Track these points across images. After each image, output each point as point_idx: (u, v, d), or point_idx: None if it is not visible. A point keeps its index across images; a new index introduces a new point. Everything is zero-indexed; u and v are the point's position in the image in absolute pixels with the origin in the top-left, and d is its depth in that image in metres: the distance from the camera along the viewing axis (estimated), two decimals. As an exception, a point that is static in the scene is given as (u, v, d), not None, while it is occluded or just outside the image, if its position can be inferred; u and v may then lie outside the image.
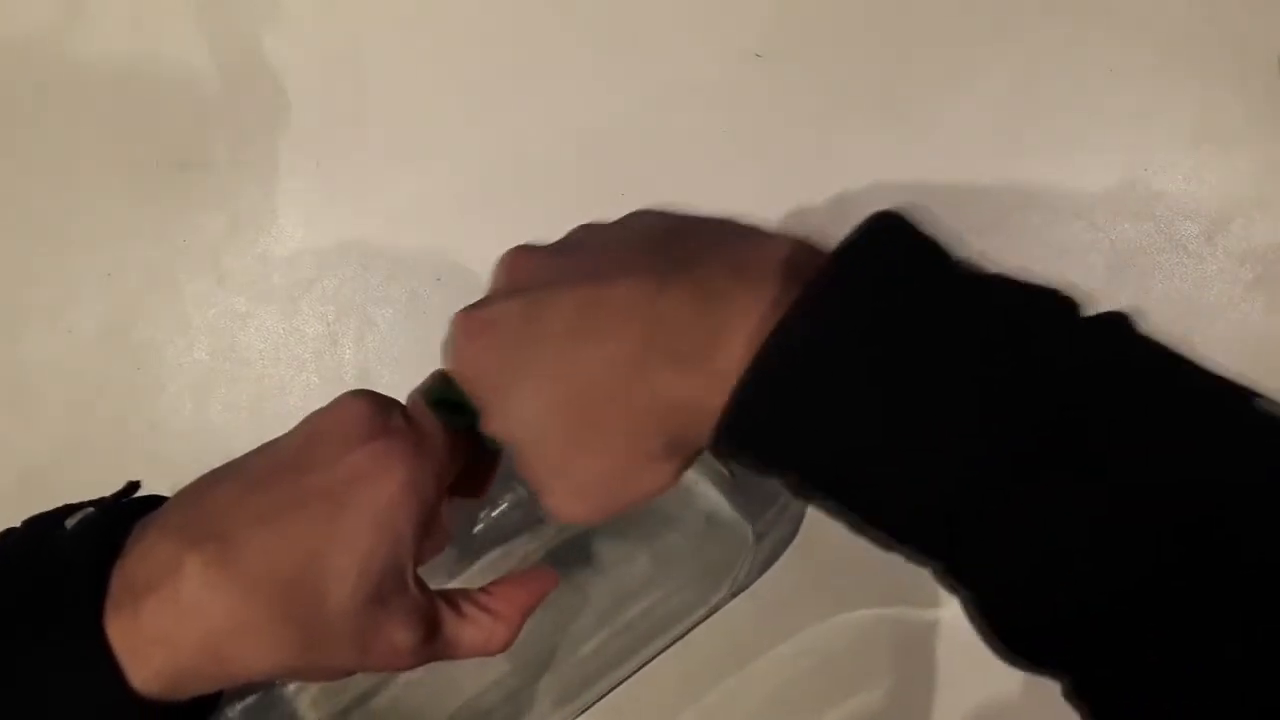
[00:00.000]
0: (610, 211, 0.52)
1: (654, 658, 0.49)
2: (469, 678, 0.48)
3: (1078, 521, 0.23)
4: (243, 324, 0.53)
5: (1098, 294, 0.53)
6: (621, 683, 0.48)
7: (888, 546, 0.26)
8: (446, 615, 0.32)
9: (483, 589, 0.34)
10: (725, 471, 0.45)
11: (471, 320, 0.30)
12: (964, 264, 0.27)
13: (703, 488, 0.44)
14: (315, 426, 0.31)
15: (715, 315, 0.25)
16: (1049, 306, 0.27)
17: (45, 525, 0.30)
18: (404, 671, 0.31)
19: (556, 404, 0.28)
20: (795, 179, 0.52)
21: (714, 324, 0.25)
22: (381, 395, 0.32)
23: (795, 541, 0.51)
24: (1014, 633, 0.25)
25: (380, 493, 0.29)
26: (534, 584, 0.35)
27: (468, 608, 0.33)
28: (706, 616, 0.48)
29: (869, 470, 0.24)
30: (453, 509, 0.35)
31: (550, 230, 0.52)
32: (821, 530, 0.52)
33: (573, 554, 0.48)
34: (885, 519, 0.25)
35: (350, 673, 0.31)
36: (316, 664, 0.29)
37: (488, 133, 0.52)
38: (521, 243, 0.32)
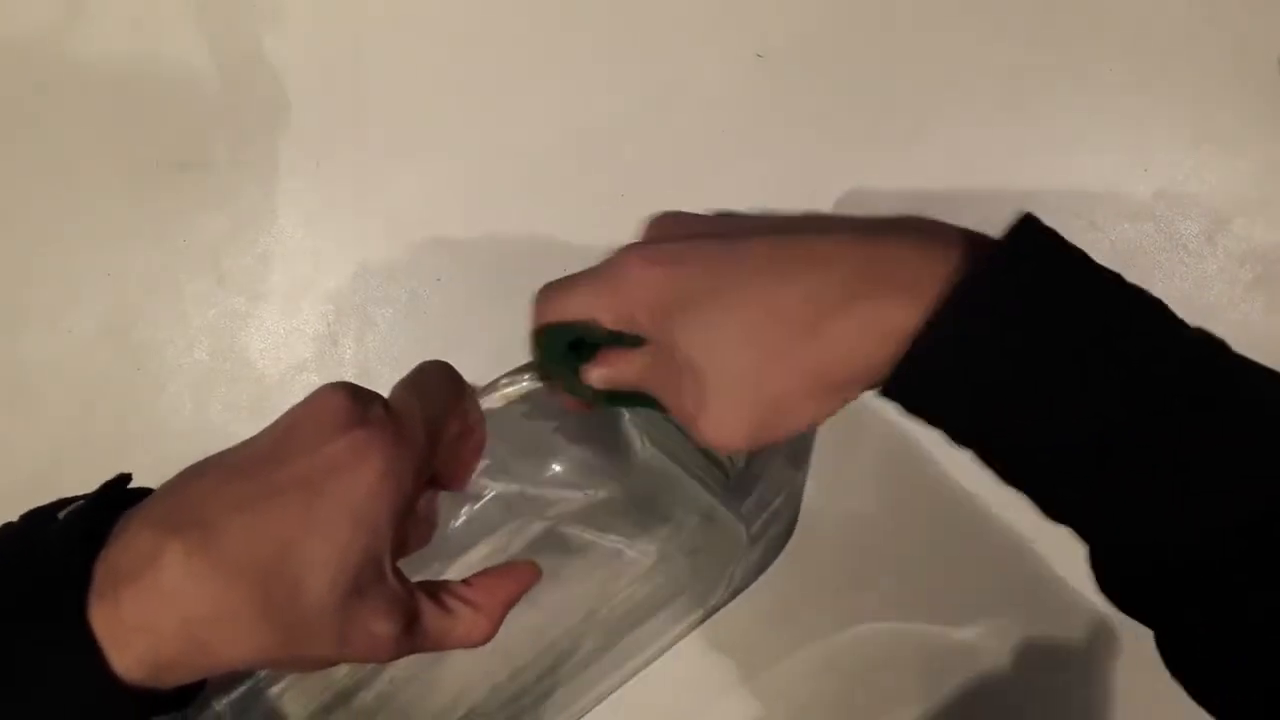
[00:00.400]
0: (610, 211, 0.52)
1: (651, 661, 0.49)
2: (458, 678, 0.48)
3: (1200, 471, 0.27)
4: (243, 324, 0.53)
5: (1098, 294, 0.53)
6: (617, 687, 0.48)
7: (1023, 488, 0.30)
8: (427, 607, 0.32)
9: (464, 581, 0.34)
10: (721, 473, 0.45)
11: (659, 253, 0.32)
12: (1097, 266, 0.32)
13: (697, 490, 0.44)
14: (294, 418, 0.31)
15: (933, 264, 0.29)
16: (1163, 308, 0.31)
17: (40, 518, 0.31)
18: (385, 662, 0.31)
19: (750, 331, 0.30)
20: (795, 179, 0.52)
21: (931, 269, 0.29)
22: (360, 387, 0.32)
23: (810, 554, 0.51)
24: (1127, 577, 0.29)
25: (358, 483, 0.29)
26: (515, 577, 0.35)
27: (448, 600, 0.33)
28: (703, 619, 0.48)
29: (1030, 407, 0.28)
30: (434, 502, 0.36)
31: (550, 229, 0.52)
32: (836, 544, 0.52)
33: (564, 553, 0.48)
34: (1035, 451, 0.29)
35: (331, 663, 0.31)
36: (296, 653, 0.29)
37: (488, 133, 0.52)
38: (544, 233, 0.35)
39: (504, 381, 0.41)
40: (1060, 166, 0.51)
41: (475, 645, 0.33)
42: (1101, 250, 0.54)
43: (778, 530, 0.50)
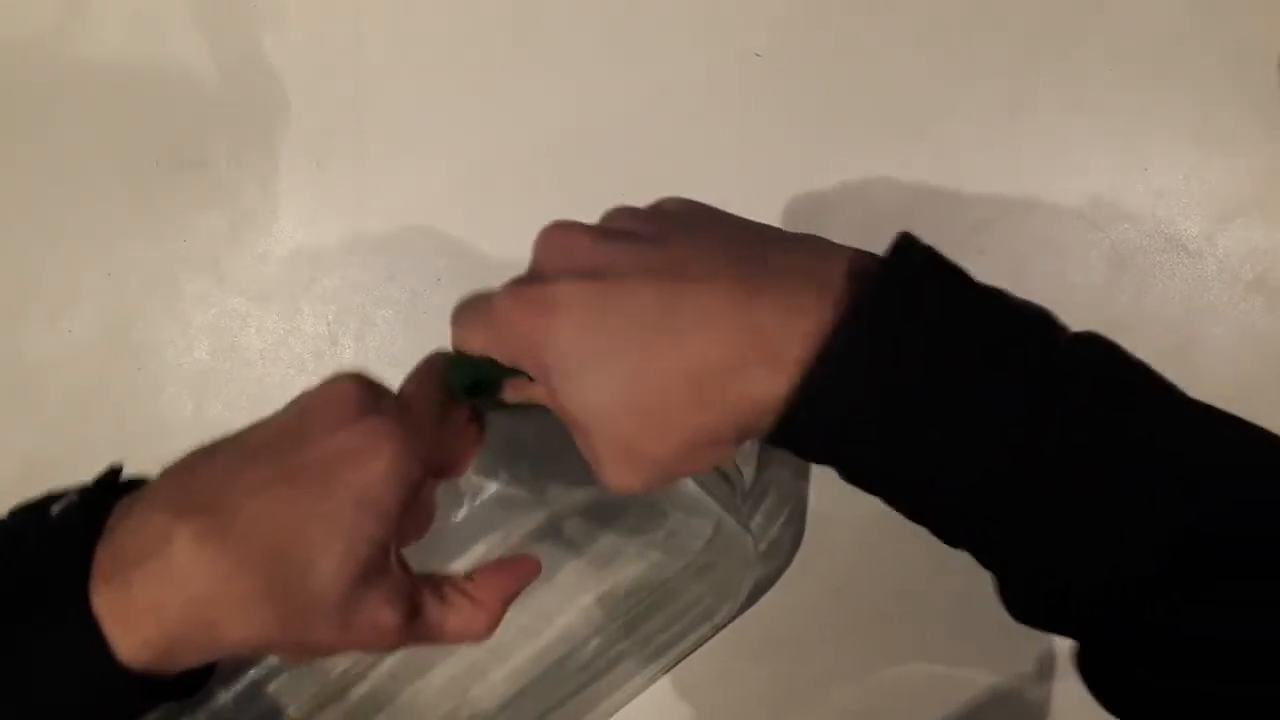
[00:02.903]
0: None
1: (658, 676, 0.48)
2: (463, 681, 0.48)
3: (1106, 495, 0.26)
4: (243, 324, 0.53)
5: (1098, 294, 0.53)
6: (624, 703, 0.48)
7: (919, 521, 0.29)
8: (429, 599, 0.33)
9: (466, 575, 0.34)
10: (729, 487, 0.45)
11: (533, 297, 0.30)
12: (974, 284, 0.30)
13: (704, 501, 0.44)
14: (305, 405, 0.31)
15: (802, 323, 0.27)
16: (1042, 319, 0.29)
17: (30, 511, 0.31)
18: (387, 652, 0.31)
19: (633, 391, 0.29)
20: (795, 179, 0.52)
21: (800, 330, 0.27)
22: (370, 377, 0.32)
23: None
24: (1031, 605, 0.29)
25: (368, 471, 0.30)
26: (516, 572, 0.35)
27: (450, 593, 0.33)
28: (712, 634, 0.48)
29: (920, 439, 0.27)
30: (433, 492, 0.36)
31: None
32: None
33: (562, 551, 0.48)
34: (924, 491, 0.28)
35: (334, 651, 0.31)
36: (300, 638, 0.29)
37: (488, 133, 0.52)
38: (553, 223, 0.33)
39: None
40: (1060, 166, 0.51)
41: (475, 640, 0.34)
42: (1101, 250, 0.54)
43: (785, 543, 0.50)
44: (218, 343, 0.53)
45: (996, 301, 0.29)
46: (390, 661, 0.46)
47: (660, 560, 0.49)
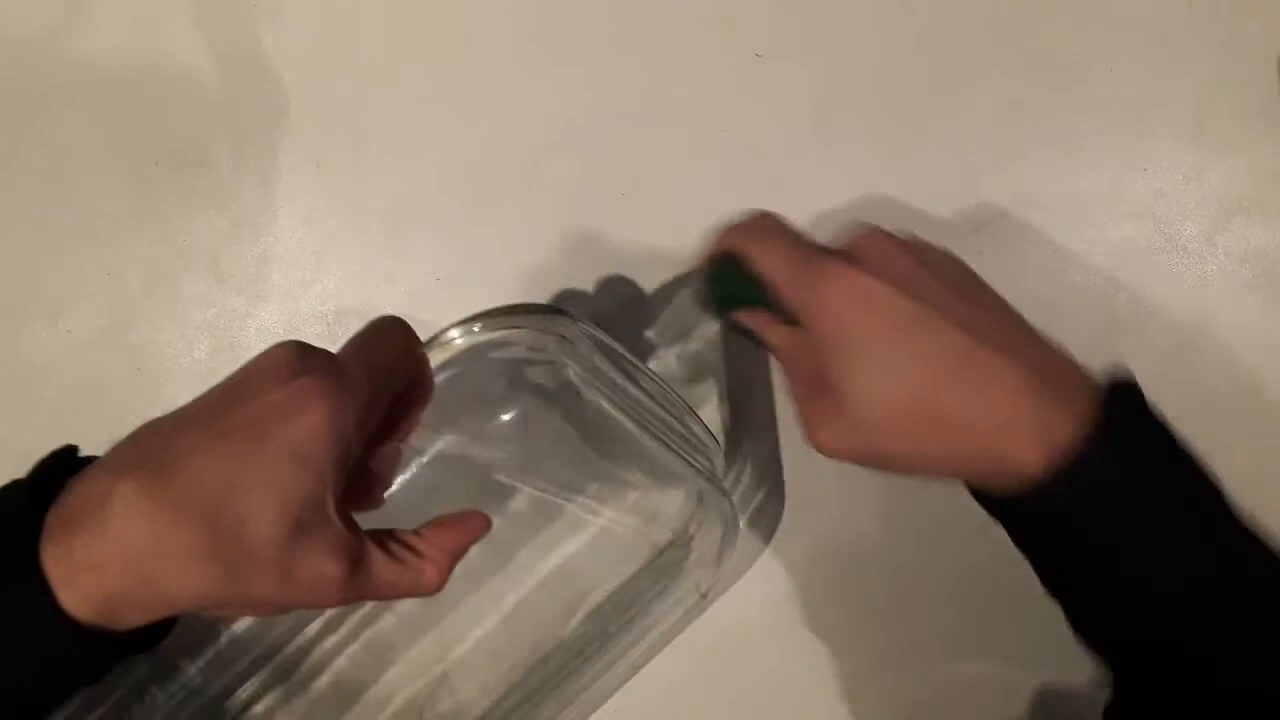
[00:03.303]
0: (611, 211, 0.52)
1: (648, 655, 0.48)
2: (433, 663, 0.48)
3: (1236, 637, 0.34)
4: (242, 324, 0.53)
5: (1098, 294, 0.53)
6: (612, 691, 0.48)
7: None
8: (374, 553, 0.33)
9: (413, 530, 0.35)
10: (708, 458, 0.45)
11: (863, 287, 0.35)
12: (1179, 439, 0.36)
13: (688, 473, 0.44)
14: (245, 369, 0.32)
15: (1066, 421, 0.34)
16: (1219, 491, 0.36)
17: None
18: (332, 605, 0.32)
19: (903, 399, 0.34)
20: (795, 178, 0.52)
21: (1064, 428, 0.33)
22: (309, 344, 0.33)
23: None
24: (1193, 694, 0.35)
25: (299, 426, 0.30)
26: (464, 527, 0.36)
27: (396, 548, 0.34)
28: (697, 606, 0.48)
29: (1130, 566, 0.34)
30: (393, 459, 0.37)
31: (551, 229, 0.52)
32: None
33: (514, 507, 0.48)
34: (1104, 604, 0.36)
35: (278, 606, 0.31)
36: (242, 591, 0.30)
37: (488, 133, 0.52)
38: (877, 228, 0.38)
39: (453, 334, 0.41)
40: (1060, 166, 0.51)
41: (424, 594, 0.34)
42: (1101, 250, 0.54)
43: (767, 515, 0.50)
44: (217, 342, 0.53)
45: (1193, 456, 0.36)
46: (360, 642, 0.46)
47: (641, 529, 0.49)
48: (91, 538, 0.29)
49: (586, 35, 0.53)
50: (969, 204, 0.52)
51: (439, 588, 0.35)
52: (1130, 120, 0.51)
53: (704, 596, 0.48)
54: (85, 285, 0.53)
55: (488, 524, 0.37)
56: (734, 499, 0.47)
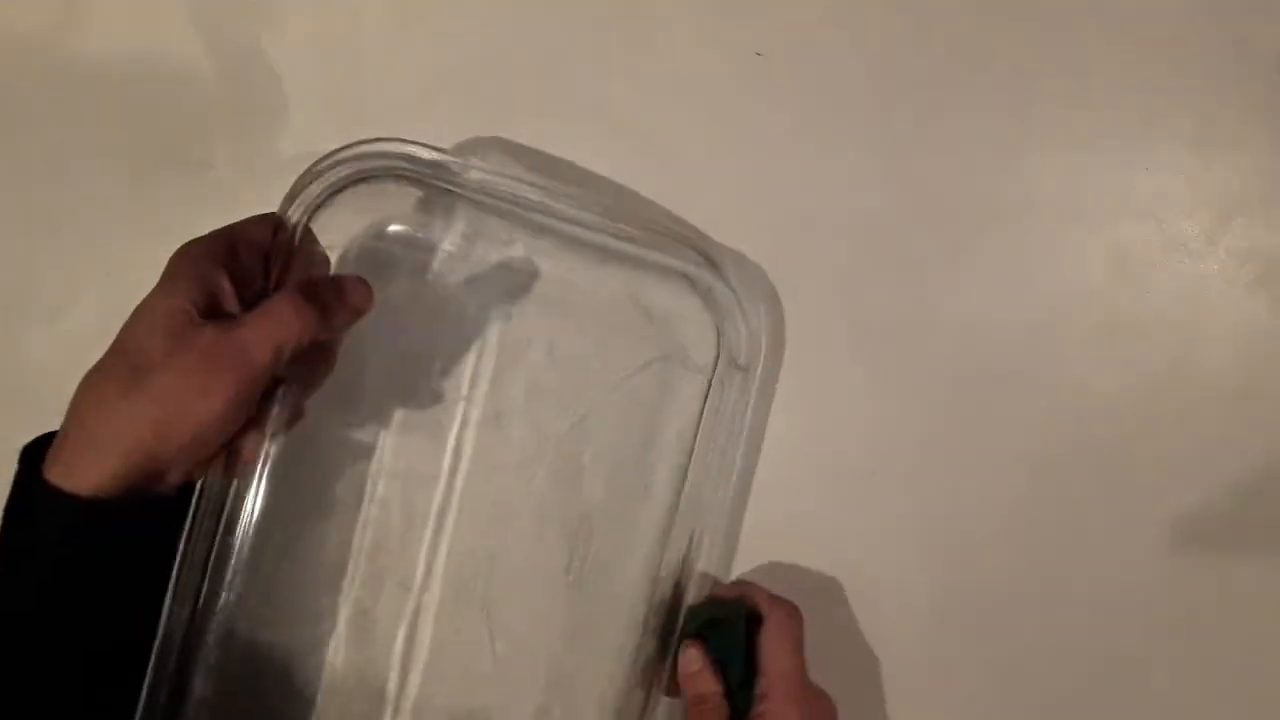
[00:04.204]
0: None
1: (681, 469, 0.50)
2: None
3: None
4: (243, 324, 0.53)
5: (1098, 294, 0.53)
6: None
7: None
8: (243, 320, 0.40)
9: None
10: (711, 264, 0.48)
11: (806, 696, 0.45)
12: None
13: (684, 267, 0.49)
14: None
15: None
16: None
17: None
18: (255, 375, 0.40)
19: None
20: (795, 178, 0.52)
21: None
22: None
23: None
24: None
25: (156, 293, 0.42)
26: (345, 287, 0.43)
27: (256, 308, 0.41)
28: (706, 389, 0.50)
29: None
30: (331, 349, 0.45)
31: (550, 231, 0.52)
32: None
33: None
34: None
35: (224, 409, 0.39)
36: (168, 408, 0.38)
37: (487, 132, 0.52)
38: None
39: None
40: (1060, 166, 0.51)
41: (284, 319, 0.40)
42: (1102, 250, 0.54)
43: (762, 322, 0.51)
44: (218, 343, 0.53)
45: None
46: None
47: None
48: (65, 444, 0.39)
49: (585, 35, 0.53)
50: (969, 204, 0.52)
51: (302, 316, 0.40)
52: (1132, 121, 0.51)
53: (744, 369, 0.49)
54: (85, 285, 0.53)
55: (364, 294, 0.43)
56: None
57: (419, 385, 0.51)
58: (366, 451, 0.50)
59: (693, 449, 0.50)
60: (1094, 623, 0.50)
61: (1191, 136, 0.51)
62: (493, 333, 0.51)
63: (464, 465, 0.50)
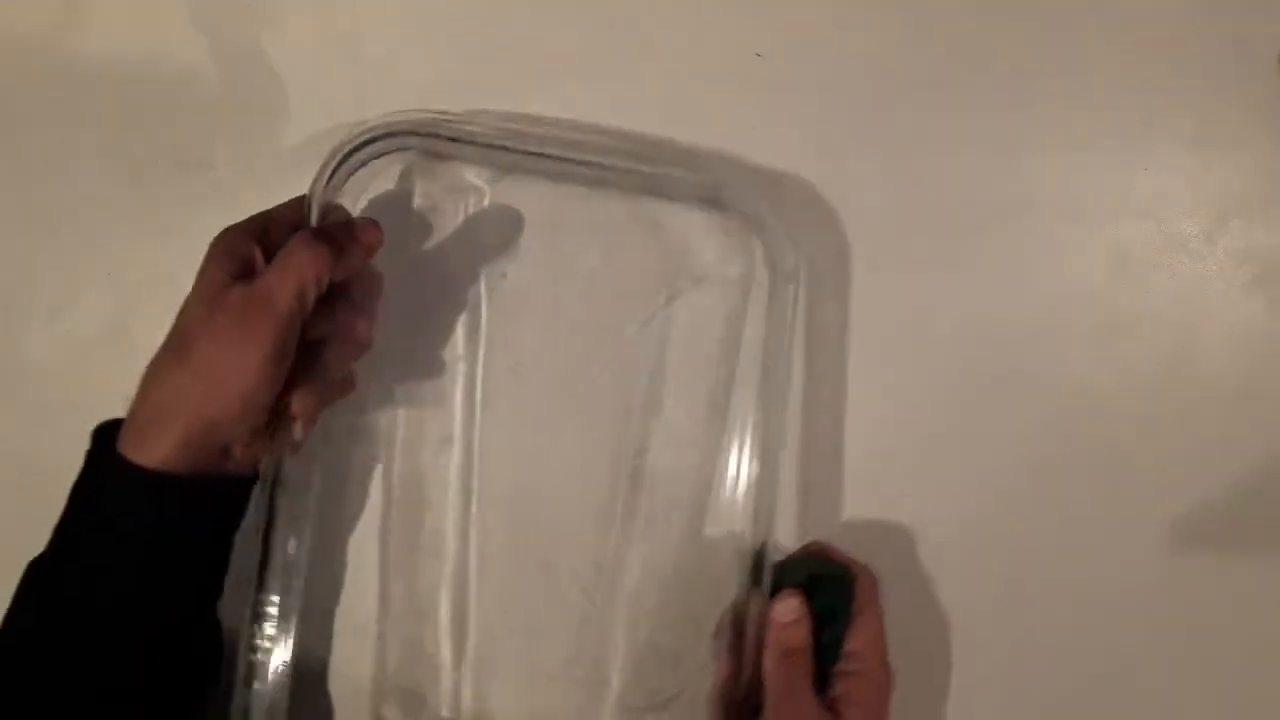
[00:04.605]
0: (610, 211, 0.52)
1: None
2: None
3: None
4: (243, 324, 0.53)
5: (1098, 294, 0.53)
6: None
7: None
8: (263, 271, 0.42)
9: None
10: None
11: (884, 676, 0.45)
12: None
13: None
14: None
15: None
16: None
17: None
18: (299, 297, 0.41)
19: None
20: (794, 178, 0.52)
21: None
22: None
23: None
24: None
25: (201, 273, 0.43)
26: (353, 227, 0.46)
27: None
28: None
29: None
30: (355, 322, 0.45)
31: (551, 230, 0.52)
32: None
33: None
34: None
35: (252, 363, 0.40)
36: (213, 371, 0.41)
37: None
38: None
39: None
40: (1060, 166, 0.51)
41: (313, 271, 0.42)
42: (1101, 250, 0.54)
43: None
44: (218, 343, 0.53)
45: None
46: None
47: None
48: (145, 418, 0.41)
49: (586, 36, 0.53)
50: (969, 204, 0.52)
51: (315, 252, 0.42)
52: (1132, 121, 0.51)
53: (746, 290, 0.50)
54: (85, 285, 0.53)
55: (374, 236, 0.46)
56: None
57: (429, 351, 0.51)
58: (388, 423, 0.51)
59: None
60: (1094, 623, 0.50)
61: (1191, 136, 0.51)
62: (507, 285, 0.51)
63: (485, 420, 0.51)
